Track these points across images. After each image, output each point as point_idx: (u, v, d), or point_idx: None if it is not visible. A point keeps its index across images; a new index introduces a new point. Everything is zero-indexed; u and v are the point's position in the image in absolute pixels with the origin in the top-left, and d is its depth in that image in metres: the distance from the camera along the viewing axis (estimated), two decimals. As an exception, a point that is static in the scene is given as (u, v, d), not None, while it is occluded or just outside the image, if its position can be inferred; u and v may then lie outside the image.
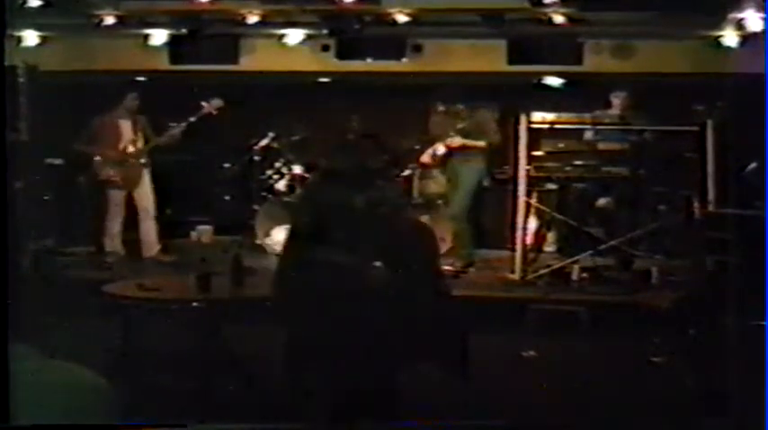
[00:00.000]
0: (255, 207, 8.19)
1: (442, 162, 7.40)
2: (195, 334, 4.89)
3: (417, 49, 8.50)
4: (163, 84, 8.46)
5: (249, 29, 8.19)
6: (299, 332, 3.81)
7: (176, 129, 7.70)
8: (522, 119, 6.87)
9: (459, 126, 7.21)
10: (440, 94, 7.44)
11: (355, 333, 3.58)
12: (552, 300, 6.42)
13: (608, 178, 6.93)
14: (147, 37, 8.52)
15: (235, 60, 8.73)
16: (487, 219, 8.18)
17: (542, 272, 6.94)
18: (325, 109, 8.80)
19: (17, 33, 8.09)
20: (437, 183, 7.96)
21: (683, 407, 4.49)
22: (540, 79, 8.47)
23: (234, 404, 4.51)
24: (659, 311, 5.95)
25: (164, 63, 8.72)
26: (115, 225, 7.67)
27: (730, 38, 7.82)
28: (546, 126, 6.91)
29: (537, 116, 6.90)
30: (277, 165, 8.33)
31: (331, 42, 8.46)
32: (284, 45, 8.56)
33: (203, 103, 7.73)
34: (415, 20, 7.81)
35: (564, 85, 8.48)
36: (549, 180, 7.09)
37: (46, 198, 7.81)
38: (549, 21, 7.58)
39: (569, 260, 6.94)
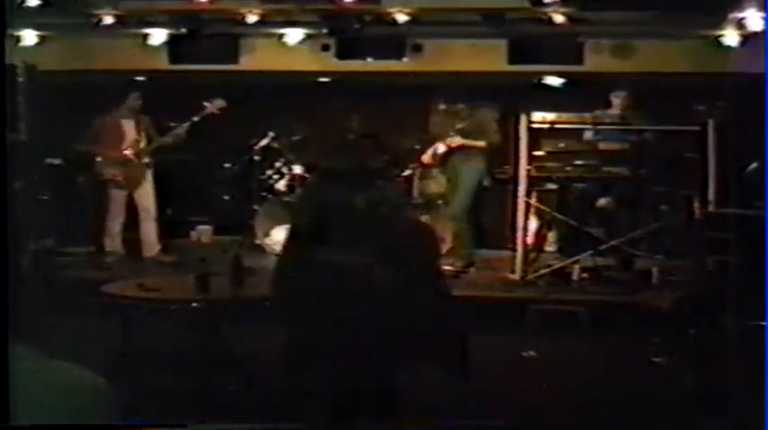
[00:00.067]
0: (255, 207, 8.18)
1: (443, 162, 7.40)
2: (195, 334, 4.89)
3: (417, 48, 8.50)
4: (162, 83, 8.45)
5: (249, 28, 8.19)
6: (299, 332, 3.80)
7: (180, 128, 7.69)
8: (523, 118, 6.86)
9: (459, 126, 7.21)
10: (440, 93, 7.43)
11: (355, 333, 3.57)
12: (552, 300, 6.42)
13: (608, 178, 6.93)
14: (146, 36, 8.52)
15: (234, 60, 8.73)
16: (488, 219, 8.17)
17: (543, 272, 6.94)
18: (325, 109, 8.80)
19: (16, 33, 8.08)
20: (437, 183, 7.95)
21: (683, 407, 4.49)
22: (541, 79, 8.47)
23: (234, 404, 4.50)
24: (660, 311, 5.94)
25: (163, 63, 8.72)
26: (116, 225, 7.67)
27: (731, 37, 7.82)
28: (546, 126, 6.90)
29: (537, 116, 6.90)
30: (277, 165, 8.33)
31: (331, 42, 8.46)
32: (284, 45, 8.56)
33: (206, 103, 7.73)
34: (415, 19, 7.81)
35: (564, 84, 8.48)
36: (550, 180, 7.08)
37: (45, 198, 7.80)
38: (550, 20, 7.58)
39: (570, 260, 6.94)
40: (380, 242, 3.69)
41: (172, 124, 7.80)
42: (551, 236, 7.69)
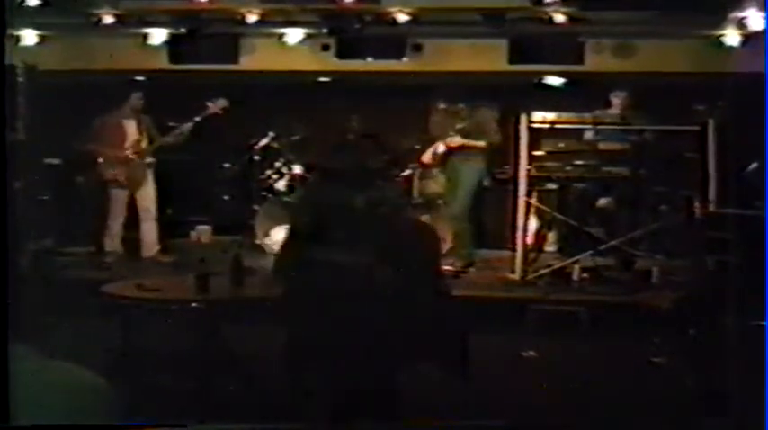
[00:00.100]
0: (255, 207, 8.18)
1: (443, 161, 7.40)
2: (195, 334, 4.88)
3: (417, 48, 8.49)
4: (162, 83, 8.45)
5: (249, 28, 8.18)
6: (299, 332, 3.80)
7: (183, 128, 7.69)
8: (523, 118, 6.86)
9: (459, 126, 7.21)
10: (440, 93, 7.43)
11: (355, 333, 3.57)
12: (552, 300, 6.42)
13: (608, 178, 6.93)
14: (146, 36, 8.51)
15: (234, 60, 8.72)
16: (488, 218, 8.17)
17: (543, 272, 6.94)
18: (325, 109, 8.79)
19: (16, 32, 8.07)
20: (437, 183, 7.95)
21: (683, 407, 4.48)
22: (541, 79, 8.47)
23: (234, 404, 4.50)
24: (660, 311, 5.94)
25: (163, 62, 8.71)
26: (116, 225, 7.66)
27: (731, 37, 7.82)
28: (546, 126, 6.90)
29: (537, 116, 6.90)
30: (277, 164, 8.32)
31: (331, 42, 8.45)
32: (284, 44, 8.56)
33: (208, 103, 7.73)
34: (416, 19, 7.80)
35: (565, 84, 8.48)
36: (550, 180, 7.08)
37: (45, 198, 7.79)
38: (550, 20, 7.57)
39: (570, 260, 6.94)
40: (380, 242, 3.69)
41: (171, 124, 7.79)
42: (551, 236, 7.69)
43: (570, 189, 7.23)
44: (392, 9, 7.74)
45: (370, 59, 8.45)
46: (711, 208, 6.42)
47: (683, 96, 7.19)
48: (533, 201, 7.09)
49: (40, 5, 7.42)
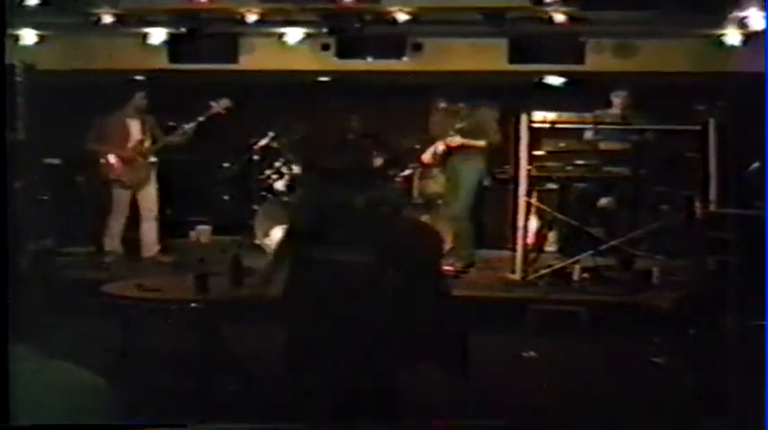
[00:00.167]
0: (255, 207, 8.17)
1: (443, 161, 7.39)
2: (194, 334, 4.88)
3: (418, 47, 8.49)
4: (161, 83, 8.44)
5: (248, 28, 8.18)
6: (299, 332, 3.79)
7: (187, 127, 7.68)
8: (523, 118, 6.86)
9: (459, 125, 7.20)
10: (440, 92, 7.42)
11: (355, 333, 3.57)
12: (553, 300, 6.41)
13: (609, 178, 6.92)
14: (145, 36, 8.51)
15: (234, 59, 8.72)
16: (488, 218, 8.16)
17: (543, 272, 6.93)
18: (325, 108, 8.78)
19: (15, 32, 8.07)
20: (437, 183, 7.94)
21: (683, 407, 4.48)
22: (542, 78, 8.46)
23: (234, 404, 4.50)
24: (660, 311, 5.94)
25: (163, 62, 8.70)
26: (117, 224, 7.66)
27: (732, 37, 7.81)
28: (547, 125, 6.90)
29: (538, 115, 6.89)
30: (277, 164, 8.31)
31: (331, 41, 8.44)
32: (284, 44, 8.55)
33: (212, 103, 7.73)
34: (416, 18, 7.80)
35: (565, 84, 8.47)
36: (550, 180, 7.08)
37: (45, 198, 7.78)
38: (551, 19, 7.58)
39: (570, 260, 6.93)
40: (381, 242, 3.69)
41: (171, 123, 7.79)
42: (552, 236, 7.68)
43: (571, 189, 7.23)
44: (392, 8, 7.74)
45: (370, 59, 8.44)
46: (712, 208, 6.42)
47: (683, 96, 7.20)
48: (534, 200, 7.08)
49: (40, 5, 7.41)
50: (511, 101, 7.49)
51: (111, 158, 7.56)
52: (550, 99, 7.83)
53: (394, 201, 6.74)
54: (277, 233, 7.54)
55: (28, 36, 8.47)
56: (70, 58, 8.61)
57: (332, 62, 8.54)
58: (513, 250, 7.10)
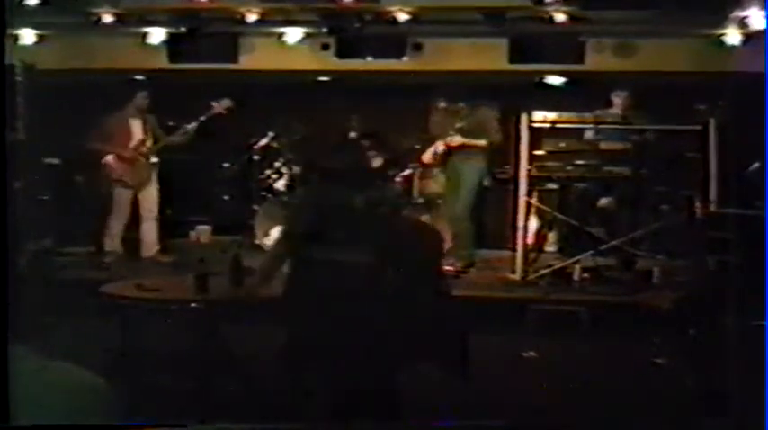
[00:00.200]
0: (255, 207, 8.17)
1: (443, 161, 7.39)
2: (194, 334, 4.87)
3: (418, 47, 8.49)
4: (161, 83, 8.44)
5: (248, 27, 8.18)
6: (299, 332, 3.79)
7: (189, 127, 7.68)
8: (524, 118, 6.86)
9: (460, 125, 7.19)
10: (440, 92, 7.42)
11: (356, 333, 3.57)
12: (553, 300, 6.41)
13: (609, 178, 6.92)
14: (145, 35, 8.51)
15: (234, 59, 8.72)
16: (488, 218, 8.16)
17: (543, 272, 6.93)
18: (325, 108, 8.78)
19: (15, 32, 8.06)
20: (437, 183, 7.93)
21: (683, 407, 4.48)
22: (542, 78, 8.46)
23: (234, 404, 4.49)
24: (660, 311, 5.94)
25: (163, 62, 8.70)
26: (118, 224, 7.65)
27: (732, 36, 7.81)
28: (547, 125, 6.89)
29: (538, 115, 6.89)
30: (277, 164, 8.31)
31: (331, 41, 8.44)
32: (284, 44, 8.55)
33: (213, 103, 7.73)
34: (416, 18, 7.80)
35: (565, 83, 8.47)
36: (551, 179, 7.08)
37: (44, 198, 7.78)
38: (551, 19, 7.57)
39: (570, 260, 6.93)
40: (381, 242, 3.69)
41: (170, 123, 7.78)
42: (552, 236, 7.68)
43: (571, 189, 7.23)
44: (392, 8, 7.73)
45: (369, 59, 8.44)
46: (712, 208, 6.42)
47: (683, 96, 7.19)
48: (534, 200, 7.08)
49: (40, 5, 7.41)
50: (511, 100, 7.48)
51: (113, 158, 7.56)
52: (551, 99, 7.83)
53: (394, 201, 6.75)
54: (277, 233, 7.55)
55: (28, 36, 8.47)
56: (70, 58, 8.60)
57: (332, 62, 8.54)
58: (514, 250, 7.10)
